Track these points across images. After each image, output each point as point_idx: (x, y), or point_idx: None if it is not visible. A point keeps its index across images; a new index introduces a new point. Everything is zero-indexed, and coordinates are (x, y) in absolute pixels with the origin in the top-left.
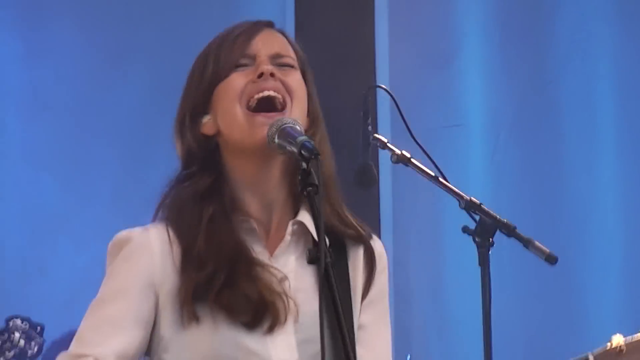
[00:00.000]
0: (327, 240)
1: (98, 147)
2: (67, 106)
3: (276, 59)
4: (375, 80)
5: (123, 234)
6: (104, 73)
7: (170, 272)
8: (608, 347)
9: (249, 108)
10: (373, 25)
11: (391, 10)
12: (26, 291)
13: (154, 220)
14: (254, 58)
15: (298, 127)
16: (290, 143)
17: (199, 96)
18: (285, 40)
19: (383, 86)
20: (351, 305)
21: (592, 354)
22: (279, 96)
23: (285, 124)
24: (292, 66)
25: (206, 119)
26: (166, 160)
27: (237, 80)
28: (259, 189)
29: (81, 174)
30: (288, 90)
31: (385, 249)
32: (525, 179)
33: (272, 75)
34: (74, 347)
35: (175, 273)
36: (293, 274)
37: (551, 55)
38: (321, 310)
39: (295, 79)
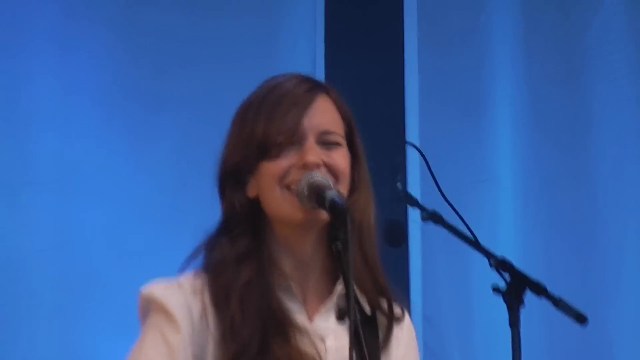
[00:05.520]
0: (361, 302)
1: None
2: (98, 159)
3: (323, 137)
4: (405, 136)
5: (156, 295)
6: (136, 121)
7: (205, 337)
8: None
9: (289, 189)
10: (403, 80)
11: (421, 66)
12: None
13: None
14: (301, 138)
15: (327, 182)
16: (319, 198)
17: (244, 160)
18: (333, 108)
19: (413, 142)
20: None
21: None
22: None
23: (313, 178)
24: (338, 143)
25: (249, 179)
26: (197, 209)
27: (282, 164)
28: (296, 252)
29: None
30: (331, 172)
31: (415, 308)
32: (556, 236)
33: (317, 166)
34: None
35: (211, 339)
36: (332, 334)
37: (583, 110)
38: None
39: (339, 159)
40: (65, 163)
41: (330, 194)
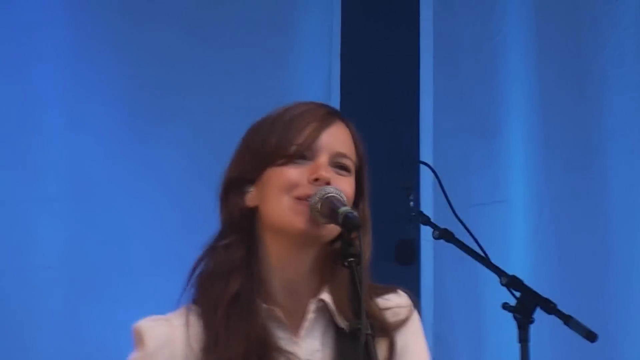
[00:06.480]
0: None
1: (140, 207)
2: (108, 172)
3: (336, 158)
4: (418, 155)
5: (141, 329)
6: (147, 134)
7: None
8: None
9: (298, 200)
10: (418, 100)
11: (436, 87)
12: None
13: (184, 290)
14: (315, 153)
15: (342, 197)
16: (333, 213)
17: (250, 168)
18: (349, 135)
19: (426, 162)
20: None
21: None
22: None
23: (329, 193)
24: (348, 170)
25: (250, 189)
26: (208, 221)
27: (292, 174)
28: (287, 271)
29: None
30: None
31: (426, 324)
32: (567, 256)
33: (327, 183)
34: None
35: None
36: (319, 353)
37: (596, 130)
38: None
39: (347, 185)
40: (75, 177)
41: (344, 209)
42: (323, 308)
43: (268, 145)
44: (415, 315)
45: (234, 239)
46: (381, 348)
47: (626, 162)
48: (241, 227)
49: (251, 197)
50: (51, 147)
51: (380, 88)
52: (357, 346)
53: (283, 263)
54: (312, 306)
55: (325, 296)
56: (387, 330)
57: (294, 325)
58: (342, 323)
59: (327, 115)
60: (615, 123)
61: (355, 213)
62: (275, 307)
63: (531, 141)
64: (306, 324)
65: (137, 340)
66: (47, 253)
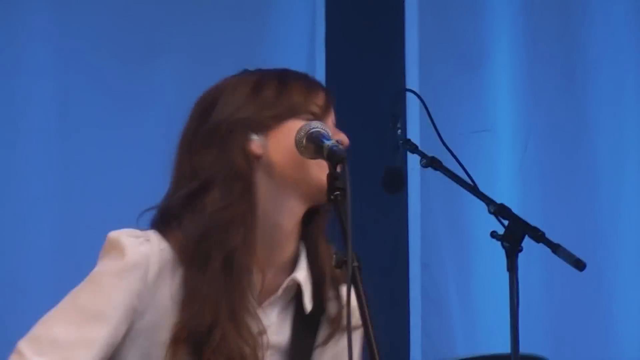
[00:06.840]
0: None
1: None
2: (95, 114)
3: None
4: (404, 84)
5: (122, 240)
6: (131, 74)
7: (160, 299)
8: None
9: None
10: (403, 28)
11: (421, 15)
12: None
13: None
14: (326, 117)
15: (327, 132)
16: (318, 147)
17: (264, 115)
18: None
19: (413, 89)
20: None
21: None
22: None
23: (314, 127)
24: None
25: (255, 138)
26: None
27: None
28: (276, 233)
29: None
30: None
31: (414, 254)
32: (554, 185)
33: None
34: (44, 347)
35: (168, 302)
36: (273, 327)
37: (581, 60)
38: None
39: None
40: (63, 111)
41: (329, 142)
42: (295, 287)
43: (290, 99)
44: (359, 334)
45: (240, 189)
46: (324, 328)
47: (611, 91)
48: (243, 176)
49: (256, 145)
50: (38, 83)
51: (366, 18)
52: (312, 330)
53: (277, 223)
54: (284, 284)
55: (301, 274)
56: (335, 321)
57: (264, 291)
58: (309, 305)
59: (331, 93)
60: (600, 53)
61: (341, 146)
62: (254, 270)
63: (516, 71)
64: (272, 298)
65: (115, 248)
66: (34, 189)
